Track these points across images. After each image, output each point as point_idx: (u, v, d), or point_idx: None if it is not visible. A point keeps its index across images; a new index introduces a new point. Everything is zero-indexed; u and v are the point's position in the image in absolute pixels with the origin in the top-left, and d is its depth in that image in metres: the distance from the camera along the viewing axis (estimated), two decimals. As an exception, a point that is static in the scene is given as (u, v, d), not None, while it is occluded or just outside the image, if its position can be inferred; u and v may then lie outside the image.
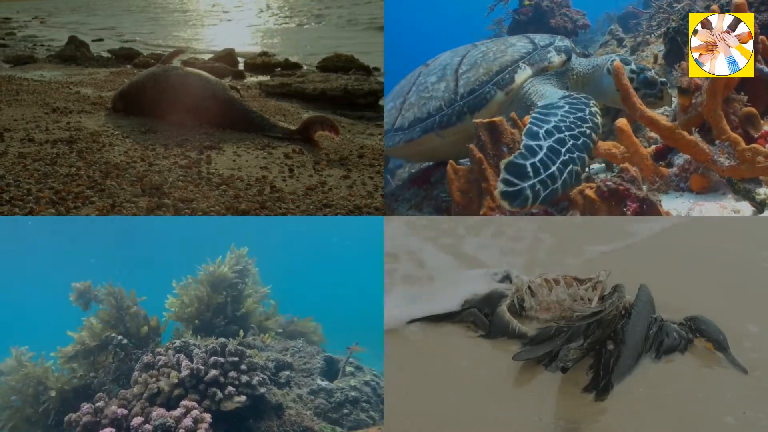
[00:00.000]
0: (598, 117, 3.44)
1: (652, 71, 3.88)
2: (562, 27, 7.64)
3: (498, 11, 8.68)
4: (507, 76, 3.93)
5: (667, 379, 2.45)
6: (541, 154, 3.13)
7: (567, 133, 3.28)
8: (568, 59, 4.04)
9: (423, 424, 2.31)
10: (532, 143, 3.19)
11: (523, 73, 3.92)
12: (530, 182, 3.02)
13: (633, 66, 3.89)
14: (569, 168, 3.13)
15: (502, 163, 3.09)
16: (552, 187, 3.04)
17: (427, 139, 4.15)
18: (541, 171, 3.06)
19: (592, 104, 3.52)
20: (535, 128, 3.30)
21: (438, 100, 4.12)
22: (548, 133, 3.27)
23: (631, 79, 3.81)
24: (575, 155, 3.19)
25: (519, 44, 4.15)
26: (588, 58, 4.26)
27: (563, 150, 3.19)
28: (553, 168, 3.09)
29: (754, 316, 2.84)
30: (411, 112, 4.25)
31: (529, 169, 3.06)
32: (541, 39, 4.20)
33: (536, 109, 3.56)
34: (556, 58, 3.99)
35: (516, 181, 3.02)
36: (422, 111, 4.18)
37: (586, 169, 3.69)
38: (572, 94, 3.68)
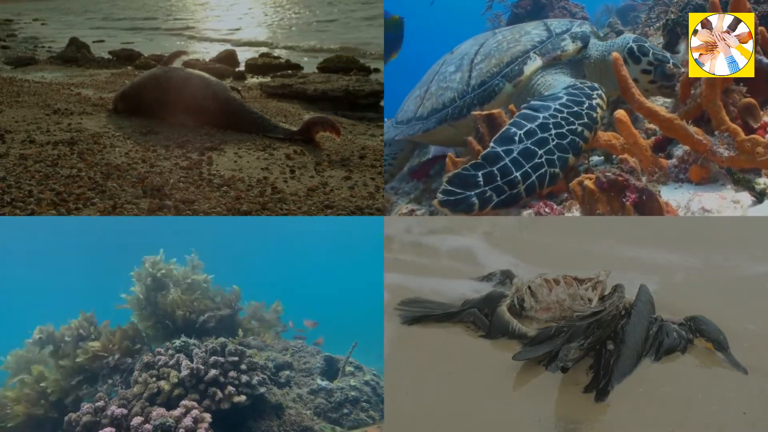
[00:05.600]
0: (598, 111, 3.38)
1: (671, 62, 3.72)
2: (560, 20, 7.58)
3: (495, 7, 8.63)
4: (516, 67, 3.86)
5: (667, 379, 2.45)
6: (505, 161, 3.18)
7: (554, 132, 3.26)
8: (585, 46, 3.89)
9: (423, 423, 2.31)
10: (499, 149, 3.23)
11: (533, 64, 3.84)
12: (478, 190, 3.12)
13: (651, 57, 3.73)
14: (542, 171, 3.17)
15: (446, 176, 3.21)
16: (510, 192, 3.13)
17: (442, 129, 4.17)
18: (498, 178, 3.15)
19: (595, 95, 3.43)
20: (513, 129, 3.30)
21: (453, 92, 4.11)
22: (528, 134, 3.27)
23: (649, 71, 3.73)
24: (555, 156, 3.21)
25: (534, 32, 4.05)
26: (606, 41, 4.04)
27: (541, 152, 3.20)
28: (516, 174, 3.15)
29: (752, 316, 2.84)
30: (430, 102, 4.27)
31: (480, 178, 3.16)
32: (558, 25, 4.07)
33: (531, 101, 3.51)
34: (570, 46, 3.86)
35: (458, 191, 3.14)
36: (438, 102, 4.19)
37: (587, 161, 3.67)
38: (576, 83, 3.58)
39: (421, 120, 4.31)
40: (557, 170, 3.20)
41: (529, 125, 3.31)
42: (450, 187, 3.16)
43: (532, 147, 3.22)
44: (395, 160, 4.90)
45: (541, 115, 3.35)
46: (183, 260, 5.17)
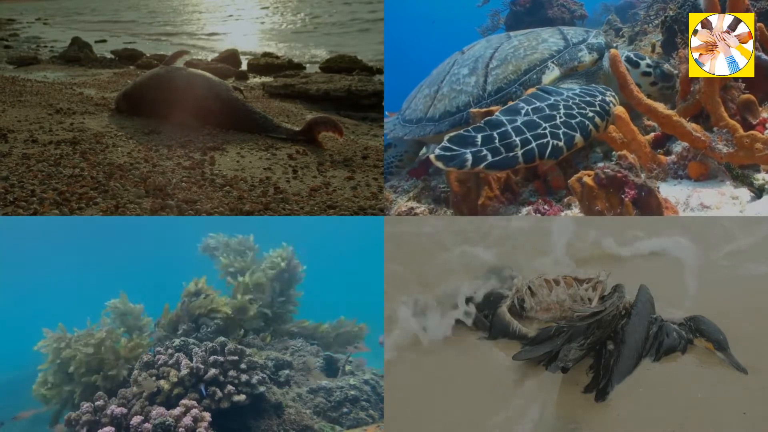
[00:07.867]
0: (611, 106, 3.37)
1: (667, 64, 3.81)
2: (559, 18, 7.53)
3: (493, 3, 8.59)
4: (534, 76, 3.87)
5: (667, 379, 2.45)
6: (506, 127, 3.15)
7: (563, 112, 3.24)
8: (600, 58, 3.91)
9: (423, 423, 2.32)
10: (503, 117, 3.21)
11: (551, 74, 3.86)
12: (474, 148, 3.07)
13: (648, 60, 3.84)
14: (544, 140, 3.10)
15: (447, 136, 3.20)
16: (506, 155, 3.05)
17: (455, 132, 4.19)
18: (496, 140, 3.10)
19: (609, 94, 3.44)
20: (521, 104, 3.30)
21: (467, 96, 4.10)
22: (536, 110, 3.25)
23: (649, 73, 3.82)
24: (560, 131, 3.15)
25: (551, 40, 4.06)
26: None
27: (546, 125, 3.16)
28: (515, 138, 3.09)
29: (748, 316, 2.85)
30: (442, 104, 4.26)
31: (478, 139, 3.12)
32: (574, 35, 4.09)
33: (545, 85, 3.53)
34: (587, 57, 3.88)
35: (455, 147, 3.10)
36: (452, 105, 4.19)
37: (586, 159, 3.67)
38: (591, 86, 3.60)
39: (432, 121, 4.31)
40: (561, 143, 3.11)
41: (538, 103, 3.28)
42: (448, 144, 3.13)
43: (538, 120, 3.18)
44: (401, 161, 4.90)
45: (552, 97, 3.33)
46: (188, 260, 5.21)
